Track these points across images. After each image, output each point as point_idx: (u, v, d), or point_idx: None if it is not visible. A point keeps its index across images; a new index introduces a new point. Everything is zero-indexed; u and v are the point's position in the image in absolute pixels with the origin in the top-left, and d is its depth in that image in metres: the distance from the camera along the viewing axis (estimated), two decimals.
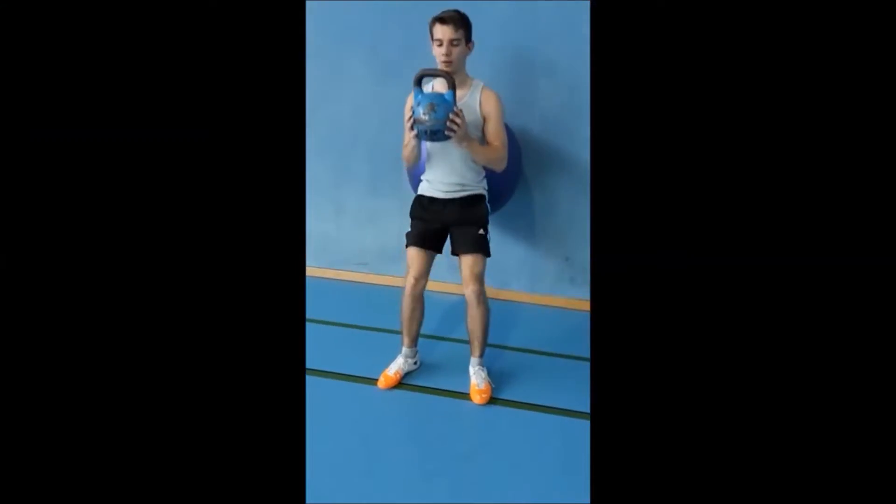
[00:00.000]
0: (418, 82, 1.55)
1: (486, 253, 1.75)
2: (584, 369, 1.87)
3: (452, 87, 1.53)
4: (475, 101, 1.67)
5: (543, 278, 2.47)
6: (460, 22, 1.59)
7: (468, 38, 1.64)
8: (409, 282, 1.77)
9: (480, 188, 1.77)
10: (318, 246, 2.69)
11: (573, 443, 1.57)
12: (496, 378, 1.85)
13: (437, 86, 1.67)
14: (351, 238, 2.64)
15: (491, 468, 1.49)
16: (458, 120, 1.50)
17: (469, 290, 1.71)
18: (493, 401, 1.75)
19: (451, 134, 1.52)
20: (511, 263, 2.48)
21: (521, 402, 1.75)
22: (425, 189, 1.78)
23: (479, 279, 1.72)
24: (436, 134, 1.52)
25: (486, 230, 1.75)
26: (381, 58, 2.35)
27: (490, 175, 1.83)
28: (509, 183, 2.16)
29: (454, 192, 1.73)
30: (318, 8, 2.33)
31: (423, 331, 2.04)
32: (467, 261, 1.72)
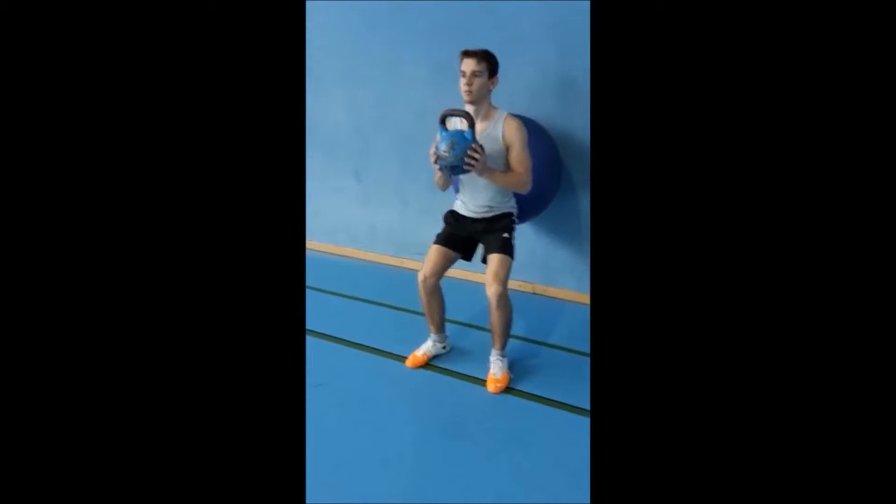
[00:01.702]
0: (442, 121, 1.71)
1: (510, 254, 1.85)
2: None
3: (471, 125, 1.67)
4: (498, 131, 1.79)
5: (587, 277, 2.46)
6: (483, 56, 1.73)
7: (492, 73, 1.76)
8: (420, 277, 1.91)
9: (507, 207, 1.90)
10: (384, 236, 2.96)
11: (576, 440, 1.60)
12: (523, 371, 1.93)
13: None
14: (413, 228, 2.84)
15: (481, 450, 1.59)
16: (475, 156, 1.64)
17: (490, 291, 1.80)
18: (508, 390, 1.84)
19: (470, 168, 1.67)
20: (556, 262, 2.51)
21: (536, 396, 1.81)
22: (458, 207, 1.95)
23: (501, 281, 1.80)
24: (455, 168, 1.69)
25: (510, 234, 1.87)
26: (434, 60, 2.49)
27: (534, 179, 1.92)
28: (546, 190, 2.21)
29: (483, 213, 1.89)
30: (370, 8, 2.54)
31: (458, 318, 2.19)
32: (491, 261, 1.83)
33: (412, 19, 2.47)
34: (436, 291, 1.93)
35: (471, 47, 1.75)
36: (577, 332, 2.21)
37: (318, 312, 2.37)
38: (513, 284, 2.64)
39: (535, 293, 2.58)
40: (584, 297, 2.47)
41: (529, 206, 2.14)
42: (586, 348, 2.07)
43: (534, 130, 2.16)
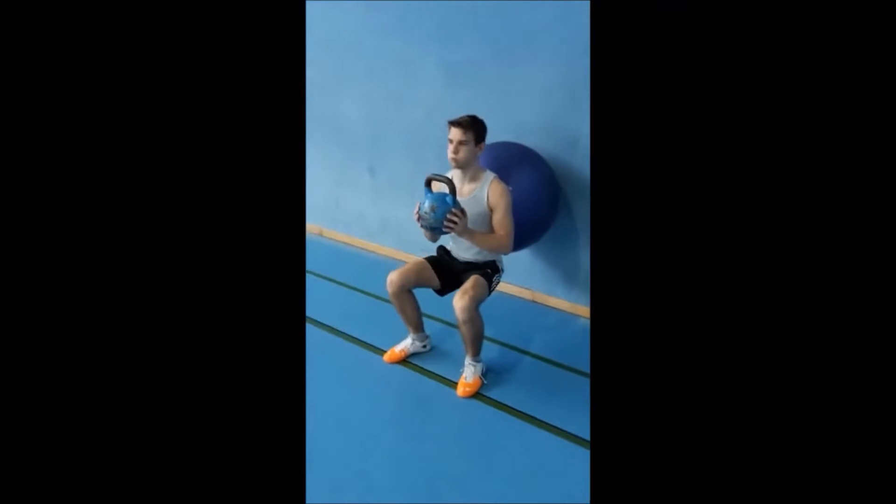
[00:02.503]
0: (428, 184, 1.80)
1: (488, 281, 1.86)
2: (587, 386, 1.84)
3: (453, 192, 1.75)
4: (484, 194, 1.83)
5: (586, 290, 2.37)
6: (470, 126, 1.78)
7: (478, 140, 1.81)
8: (390, 289, 1.90)
9: (493, 257, 1.92)
10: (393, 230, 3.00)
11: (531, 453, 1.57)
12: (499, 378, 1.91)
13: (459, 182, 1.87)
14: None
15: (431, 449, 1.58)
16: (454, 219, 1.71)
17: (458, 305, 1.75)
18: (477, 396, 1.82)
19: (449, 230, 1.75)
20: (554, 273, 2.44)
21: (504, 405, 1.78)
22: (449, 246, 1.98)
23: (471, 297, 1.76)
24: (435, 230, 1.79)
25: (491, 273, 1.90)
26: (447, 60, 2.49)
27: (528, 208, 2.00)
28: (544, 217, 2.20)
29: (468, 258, 1.95)
30: (392, 8, 2.57)
31: (446, 318, 2.18)
32: (468, 282, 1.82)
33: (425, 17, 2.49)
34: (403, 295, 1.92)
35: (457, 117, 1.79)
36: (565, 344, 2.14)
37: (315, 300, 2.45)
38: (512, 290, 2.62)
39: (533, 301, 2.53)
40: (580, 309, 2.40)
41: (527, 236, 2.13)
42: (571, 362, 2.02)
43: (531, 161, 2.16)
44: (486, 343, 2.12)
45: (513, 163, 2.11)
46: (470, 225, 1.80)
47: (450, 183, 1.75)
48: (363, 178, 3.02)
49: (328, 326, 2.25)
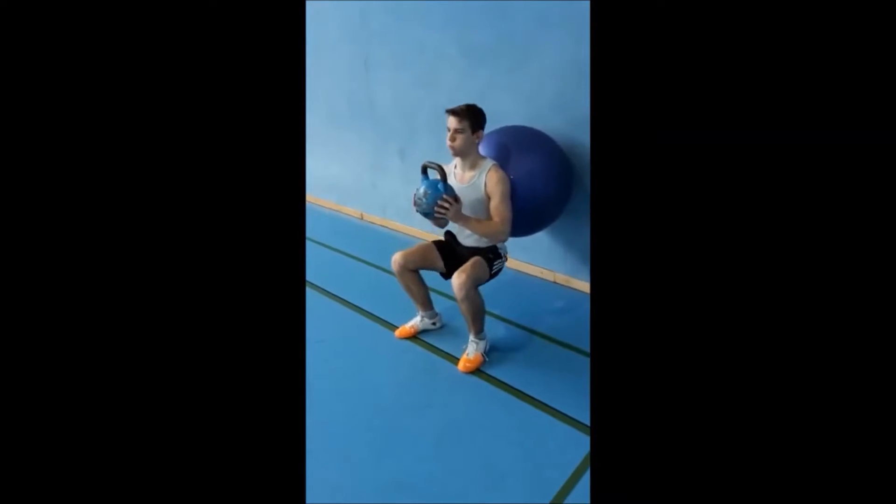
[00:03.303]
0: (424, 171, 1.84)
1: (488, 264, 1.87)
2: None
3: (443, 178, 1.77)
4: (482, 181, 1.84)
5: None
6: (466, 114, 1.80)
7: (474, 129, 1.83)
8: (396, 268, 1.96)
9: (493, 244, 1.92)
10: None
11: (526, 432, 1.58)
12: (503, 357, 1.93)
13: (460, 169, 1.90)
14: None
15: (423, 421, 1.64)
16: (445, 205, 1.75)
17: (455, 282, 1.79)
18: (478, 373, 1.85)
19: (440, 216, 1.78)
20: (576, 254, 2.38)
21: (502, 383, 1.80)
22: (456, 231, 2.00)
23: (468, 275, 1.79)
24: (427, 216, 1.82)
25: (492, 260, 1.90)
26: (466, 43, 2.47)
27: (534, 192, 1.98)
28: (553, 204, 2.15)
29: (470, 244, 1.97)
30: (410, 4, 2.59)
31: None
32: (468, 262, 1.85)
33: (444, 2, 2.49)
34: (407, 274, 1.97)
35: (455, 105, 1.81)
36: (577, 326, 2.10)
37: (339, 277, 2.59)
38: (534, 271, 2.60)
39: (555, 282, 2.49)
40: None
41: (536, 219, 2.11)
42: (581, 343, 1.99)
43: (542, 144, 2.11)
44: (496, 322, 2.15)
45: (522, 147, 2.08)
46: (469, 212, 1.83)
47: (440, 169, 1.78)
48: (394, 161, 3.11)
49: (352, 304, 2.38)
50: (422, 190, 1.78)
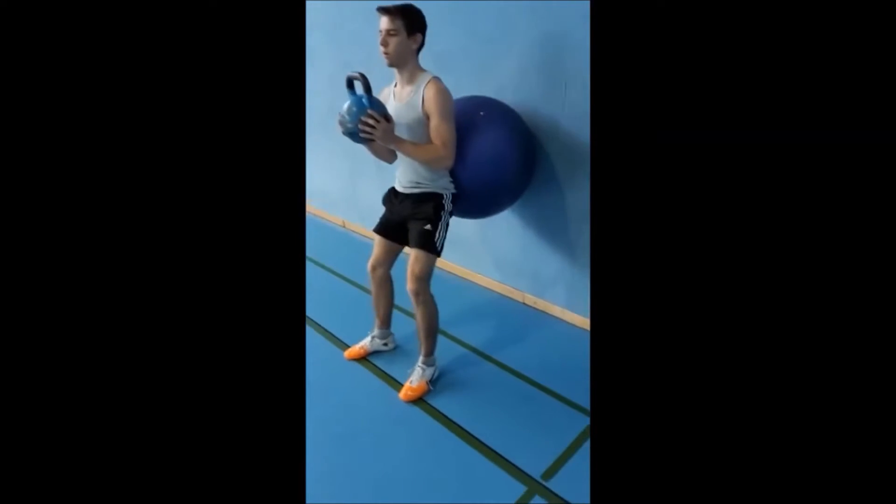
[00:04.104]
0: (349, 84, 1.53)
1: (431, 250, 1.68)
2: (552, 411, 1.69)
3: (367, 89, 1.50)
4: (419, 98, 1.58)
5: (581, 296, 2.14)
6: (398, 13, 1.52)
7: (410, 31, 1.54)
8: (368, 267, 1.86)
9: (436, 187, 1.70)
10: None
11: (458, 473, 1.45)
12: (451, 385, 1.80)
13: (399, 86, 1.63)
14: None
15: (355, 452, 1.52)
16: (370, 122, 1.48)
17: (408, 287, 1.70)
18: (419, 402, 1.73)
19: (367, 136, 1.51)
20: (547, 272, 2.24)
21: (442, 415, 1.67)
22: (395, 181, 1.81)
23: (418, 278, 1.67)
24: (353, 136, 1.54)
25: (434, 226, 1.68)
26: (434, 50, 2.33)
27: (472, 172, 1.76)
28: (515, 182, 1.95)
29: (410, 188, 1.72)
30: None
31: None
32: (411, 256, 1.70)
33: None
34: (383, 283, 1.86)
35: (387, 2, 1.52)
36: (540, 355, 1.96)
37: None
38: (503, 290, 2.45)
39: (524, 303, 2.35)
40: (573, 317, 2.17)
41: (491, 198, 1.91)
42: (538, 378, 1.85)
43: (505, 116, 1.94)
44: (450, 345, 2.01)
45: (487, 116, 1.88)
46: (406, 135, 1.58)
47: (363, 78, 1.48)
48: (370, 169, 3.00)
49: (308, 317, 2.28)
50: (346, 106, 1.50)
